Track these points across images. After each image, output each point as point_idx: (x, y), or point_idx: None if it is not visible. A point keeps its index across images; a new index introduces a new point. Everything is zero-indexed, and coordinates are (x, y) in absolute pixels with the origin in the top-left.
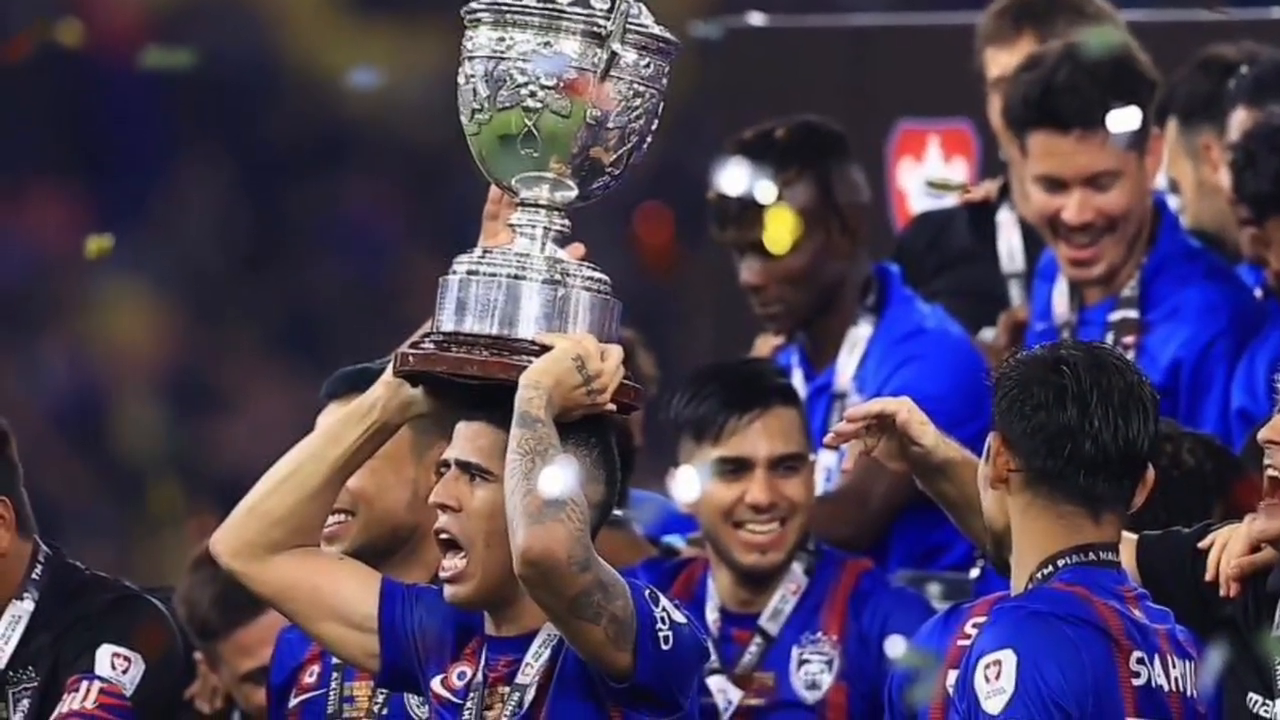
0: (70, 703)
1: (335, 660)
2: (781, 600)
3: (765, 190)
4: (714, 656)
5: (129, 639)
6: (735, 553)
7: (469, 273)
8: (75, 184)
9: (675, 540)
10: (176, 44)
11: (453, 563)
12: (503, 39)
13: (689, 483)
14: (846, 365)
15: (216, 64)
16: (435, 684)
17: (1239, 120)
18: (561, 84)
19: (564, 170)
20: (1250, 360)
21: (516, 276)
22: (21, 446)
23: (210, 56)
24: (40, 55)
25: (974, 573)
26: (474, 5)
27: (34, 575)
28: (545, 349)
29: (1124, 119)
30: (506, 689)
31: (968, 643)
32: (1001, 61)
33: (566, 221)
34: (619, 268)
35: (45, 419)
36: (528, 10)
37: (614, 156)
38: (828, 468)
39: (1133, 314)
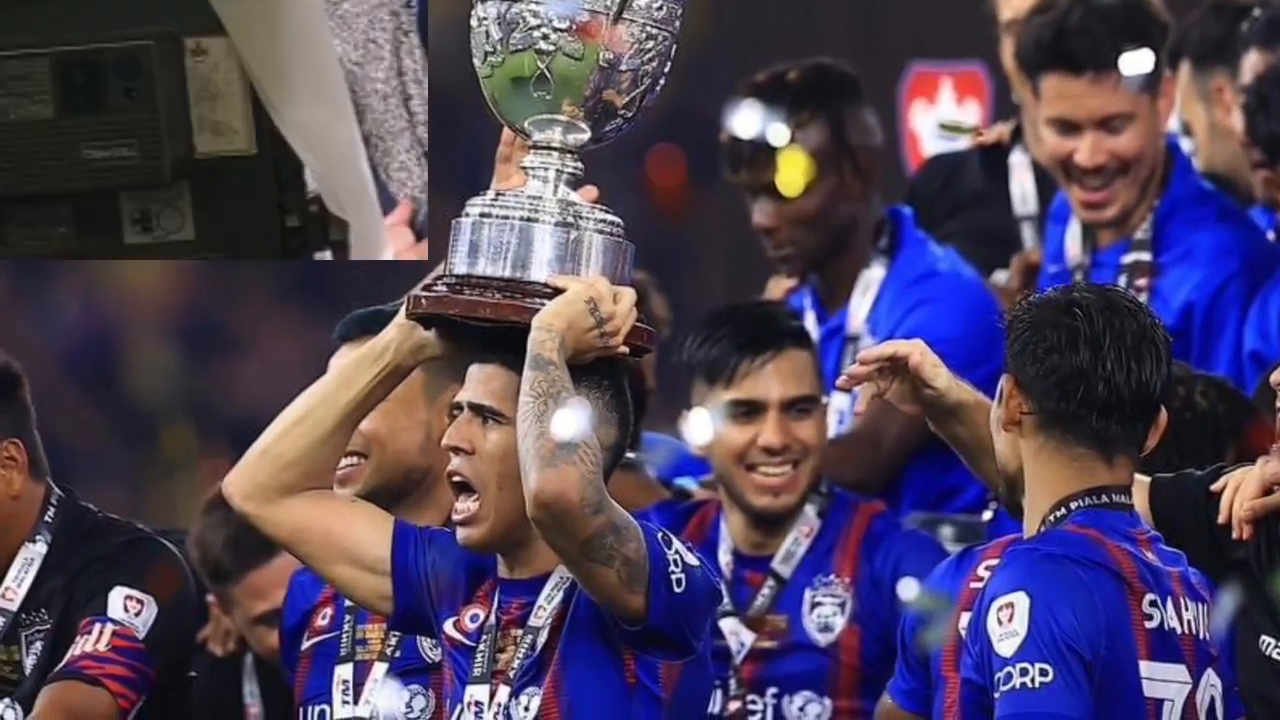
0: (83, 645)
1: (348, 603)
2: (794, 543)
3: (778, 132)
4: (726, 599)
5: (142, 581)
6: (748, 495)
7: (481, 215)
8: None
9: (688, 483)
10: None
11: (465, 505)
12: None
13: (701, 425)
14: (859, 308)
15: None
16: (448, 626)
17: (1251, 63)
18: (574, 26)
19: (576, 113)
20: (1263, 303)
21: (529, 219)
22: (34, 389)
23: None
24: None
25: (986, 515)
26: None
27: (46, 518)
28: (558, 291)
29: (1136, 61)
30: (519, 631)
31: (980, 585)
32: (1014, 4)
33: (579, 164)
34: (631, 210)
35: (58, 362)
36: None
37: (626, 99)
38: (840, 410)
39: (1145, 256)
